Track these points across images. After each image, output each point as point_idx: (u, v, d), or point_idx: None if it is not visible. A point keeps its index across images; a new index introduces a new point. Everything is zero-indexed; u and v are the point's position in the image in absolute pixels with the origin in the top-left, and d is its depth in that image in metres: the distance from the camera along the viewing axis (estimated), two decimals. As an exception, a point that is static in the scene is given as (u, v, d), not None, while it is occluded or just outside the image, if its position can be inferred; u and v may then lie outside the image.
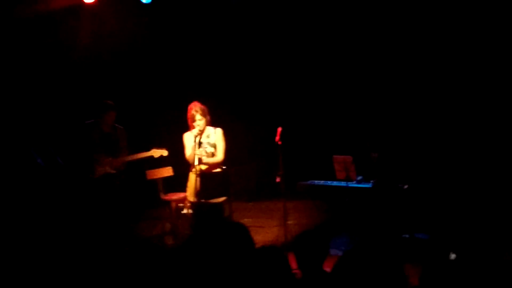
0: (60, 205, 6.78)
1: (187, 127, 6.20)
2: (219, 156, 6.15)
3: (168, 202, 6.94)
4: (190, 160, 6.09)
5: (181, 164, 6.32)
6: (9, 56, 7.68)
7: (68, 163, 6.69)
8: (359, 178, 6.68)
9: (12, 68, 7.72)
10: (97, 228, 6.38)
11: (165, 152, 6.51)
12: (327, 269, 3.21)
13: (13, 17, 7.49)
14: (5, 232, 6.40)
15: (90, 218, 6.44)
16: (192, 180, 6.10)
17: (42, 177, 6.78)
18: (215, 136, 6.16)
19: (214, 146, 6.15)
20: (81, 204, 6.53)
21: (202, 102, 6.17)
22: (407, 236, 6.15)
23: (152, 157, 6.54)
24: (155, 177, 7.11)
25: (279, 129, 6.26)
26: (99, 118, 6.53)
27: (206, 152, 6.09)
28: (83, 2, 7.54)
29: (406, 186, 6.41)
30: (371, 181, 6.64)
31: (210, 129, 6.17)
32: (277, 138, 6.22)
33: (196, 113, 6.03)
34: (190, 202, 6.21)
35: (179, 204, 6.74)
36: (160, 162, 6.98)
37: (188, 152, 6.11)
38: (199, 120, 6.03)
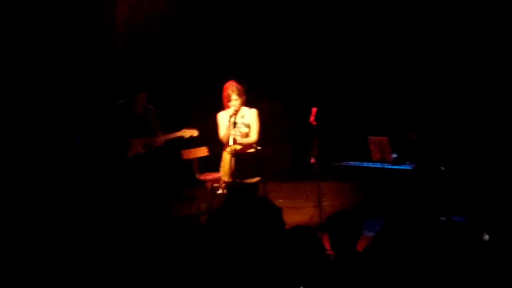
0: (99, 183, 6.91)
1: (221, 107, 6.21)
2: (253, 136, 6.16)
3: (204, 182, 6.99)
4: (224, 140, 6.11)
5: (216, 144, 6.36)
6: (47, 38, 7.81)
7: (104, 143, 6.79)
8: (394, 156, 6.58)
9: (50, 50, 7.85)
10: (132, 207, 6.48)
11: (195, 133, 6.54)
12: (359, 249, 3.20)
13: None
14: (47, 211, 6.58)
15: (124, 197, 6.55)
16: (226, 160, 6.13)
17: (82, 156, 6.92)
18: (250, 117, 6.16)
19: (248, 126, 6.14)
20: (116, 183, 6.64)
21: (237, 81, 6.17)
22: (444, 218, 6.07)
23: (182, 137, 6.59)
24: (190, 157, 7.17)
25: (314, 109, 6.21)
26: (131, 99, 6.61)
27: (240, 132, 6.10)
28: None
29: (443, 168, 6.30)
30: (407, 162, 6.55)
31: (244, 109, 6.17)
32: (312, 118, 6.17)
33: (232, 92, 6.03)
34: (224, 181, 6.25)
35: (214, 184, 6.79)
36: (196, 142, 7.03)
37: (222, 132, 6.13)
38: (235, 100, 6.03)
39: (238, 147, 6.06)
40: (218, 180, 6.59)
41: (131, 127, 6.57)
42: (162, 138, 6.60)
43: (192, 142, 7.02)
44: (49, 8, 7.72)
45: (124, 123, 6.57)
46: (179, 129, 6.59)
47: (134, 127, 6.58)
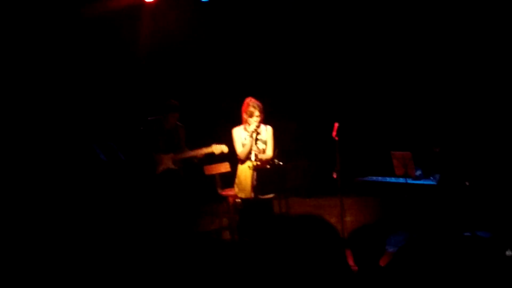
0: (123, 200, 6.99)
1: (238, 123, 6.23)
2: (269, 152, 6.13)
3: (226, 197, 7.02)
4: (242, 156, 6.10)
5: (236, 161, 6.36)
6: (74, 54, 7.97)
7: (131, 158, 6.88)
8: (418, 172, 6.55)
9: (77, 66, 8.01)
10: (160, 223, 6.54)
11: (225, 148, 6.57)
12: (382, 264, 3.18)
13: (78, 17, 7.77)
14: (69, 227, 6.67)
15: (153, 213, 6.61)
16: (242, 176, 6.12)
17: (105, 172, 7.01)
18: (267, 134, 6.16)
19: (265, 143, 6.14)
20: (144, 199, 6.71)
21: (257, 98, 6.18)
22: (469, 234, 5.99)
23: (213, 153, 6.64)
24: (213, 172, 7.22)
25: (336, 124, 6.21)
26: (162, 116, 6.70)
27: (259, 149, 6.08)
28: (144, 1, 7.72)
29: (467, 183, 6.24)
30: (431, 177, 6.50)
31: (261, 126, 6.17)
32: (334, 133, 6.17)
33: (255, 109, 6.02)
34: (240, 198, 6.25)
35: (236, 200, 6.81)
36: (218, 157, 7.08)
37: (240, 148, 6.13)
38: (257, 117, 6.03)
39: (257, 163, 6.04)
40: (239, 196, 6.61)
41: (162, 143, 6.67)
42: (192, 154, 6.67)
43: (215, 158, 7.07)
44: (76, 25, 7.88)
45: (155, 139, 6.66)
46: (204, 145, 6.65)
47: (164, 143, 6.67)
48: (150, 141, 6.68)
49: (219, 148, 6.58)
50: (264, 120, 6.19)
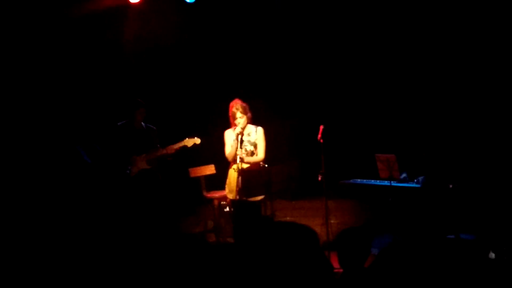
0: (106, 201, 6.94)
1: (228, 125, 6.23)
2: (260, 155, 6.14)
3: (211, 200, 7.01)
4: (230, 158, 6.11)
5: (223, 162, 6.36)
6: (58, 55, 7.90)
7: (107, 162, 6.86)
8: (403, 175, 6.59)
9: (61, 67, 7.94)
10: (139, 224, 6.50)
11: (197, 140, 6.56)
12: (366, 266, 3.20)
13: (63, 17, 7.70)
14: (52, 228, 6.60)
15: (131, 215, 6.57)
16: (231, 177, 6.12)
17: (90, 174, 6.96)
18: (256, 135, 6.15)
19: (255, 145, 6.13)
20: (123, 201, 6.67)
21: (243, 99, 6.18)
22: (452, 236, 6.03)
23: (185, 146, 6.59)
24: (198, 175, 7.20)
25: (321, 127, 6.22)
26: (130, 116, 6.68)
27: (246, 151, 6.09)
28: (129, 2, 7.68)
29: (451, 186, 6.28)
30: (415, 180, 6.54)
31: (251, 127, 6.17)
32: (319, 136, 6.19)
33: (237, 110, 6.04)
34: (230, 199, 6.26)
35: (221, 202, 6.81)
36: (204, 160, 7.07)
37: (228, 149, 6.14)
38: (240, 118, 6.03)
39: (246, 165, 6.05)
40: (225, 198, 6.60)
41: (134, 145, 6.63)
42: (164, 151, 6.63)
43: (200, 160, 7.06)
44: (62, 26, 7.82)
45: (126, 142, 6.63)
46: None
47: (136, 145, 6.64)
48: (120, 146, 6.64)
49: (191, 141, 6.57)
50: (255, 121, 6.20)
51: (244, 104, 6.10)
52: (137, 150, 6.65)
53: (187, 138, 6.58)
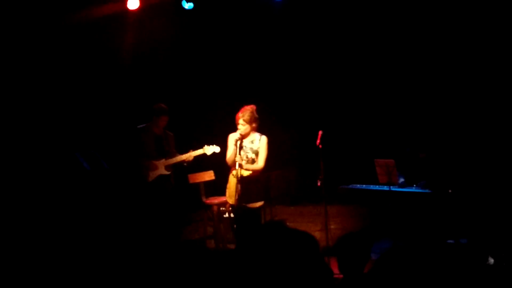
0: (108, 208, 6.94)
1: (232, 129, 6.22)
2: (260, 163, 6.12)
3: (210, 206, 7.00)
4: (229, 162, 6.11)
5: (224, 168, 6.35)
6: (58, 62, 7.92)
7: (117, 167, 6.86)
8: (401, 180, 6.59)
9: (61, 73, 7.96)
10: (149, 229, 6.52)
11: (217, 149, 6.58)
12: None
13: (62, 24, 7.72)
14: (53, 233, 6.60)
15: (142, 220, 6.59)
16: (232, 182, 6.12)
17: (88, 181, 6.97)
18: (259, 143, 6.14)
19: (256, 153, 6.11)
20: (134, 207, 6.69)
21: (258, 109, 6.12)
22: (452, 241, 6.03)
23: (205, 154, 6.63)
24: (197, 181, 7.19)
25: (320, 132, 6.23)
26: (151, 121, 6.67)
27: (247, 158, 6.08)
28: (128, 9, 7.70)
29: (450, 191, 6.28)
30: (414, 184, 6.54)
31: (256, 135, 6.14)
32: (318, 141, 6.19)
33: (241, 117, 6.03)
34: (230, 204, 6.25)
35: (221, 208, 6.80)
36: (203, 166, 7.06)
37: (229, 153, 6.14)
38: (241, 125, 6.02)
39: (246, 172, 6.03)
40: (224, 203, 6.60)
41: (152, 149, 6.65)
42: (184, 157, 6.66)
43: (199, 167, 7.05)
44: (61, 32, 7.83)
45: (145, 146, 6.64)
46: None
47: (155, 150, 6.66)
48: (138, 149, 6.65)
49: (211, 149, 6.59)
50: (260, 130, 6.18)
51: (251, 113, 6.05)
52: (154, 155, 6.66)
53: (205, 146, 6.60)
